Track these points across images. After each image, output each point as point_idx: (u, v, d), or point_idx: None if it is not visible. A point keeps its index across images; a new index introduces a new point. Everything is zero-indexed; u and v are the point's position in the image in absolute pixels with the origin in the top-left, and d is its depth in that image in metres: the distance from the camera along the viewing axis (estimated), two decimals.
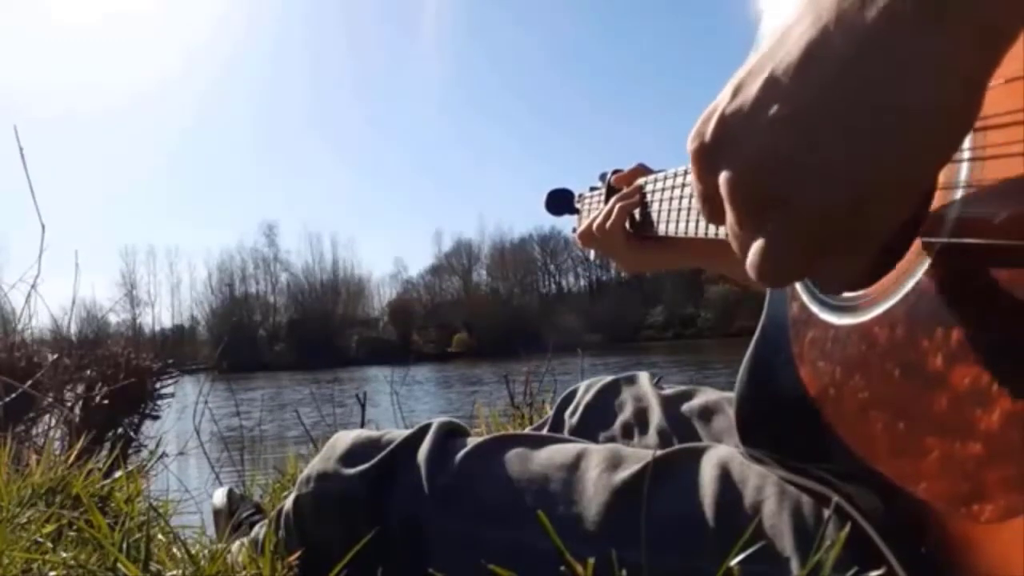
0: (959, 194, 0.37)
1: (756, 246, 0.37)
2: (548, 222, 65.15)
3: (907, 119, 0.32)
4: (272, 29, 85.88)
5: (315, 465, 0.77)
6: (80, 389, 3.43)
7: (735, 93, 0.38)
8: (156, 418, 3.85)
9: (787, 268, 0.38)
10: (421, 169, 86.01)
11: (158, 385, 3.93)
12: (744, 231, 0.38)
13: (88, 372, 3.56)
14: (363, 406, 3.04)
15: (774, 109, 0.35)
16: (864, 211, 0.34)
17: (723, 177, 0.38)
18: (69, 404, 3.06)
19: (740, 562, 0.42)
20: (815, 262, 0.37)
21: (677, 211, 0.75)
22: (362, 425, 2.78)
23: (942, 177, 0.38)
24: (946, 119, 0.32)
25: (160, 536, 0.89)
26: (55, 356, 3.07)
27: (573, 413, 0.94)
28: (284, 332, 50.24)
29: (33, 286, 2.60)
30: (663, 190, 0.80)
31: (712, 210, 0.41)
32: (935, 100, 0.31)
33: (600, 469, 0.65)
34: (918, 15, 0.31)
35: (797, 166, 0.35)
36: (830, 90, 0.34)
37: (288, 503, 0.80)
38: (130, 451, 3.15)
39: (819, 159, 0.34)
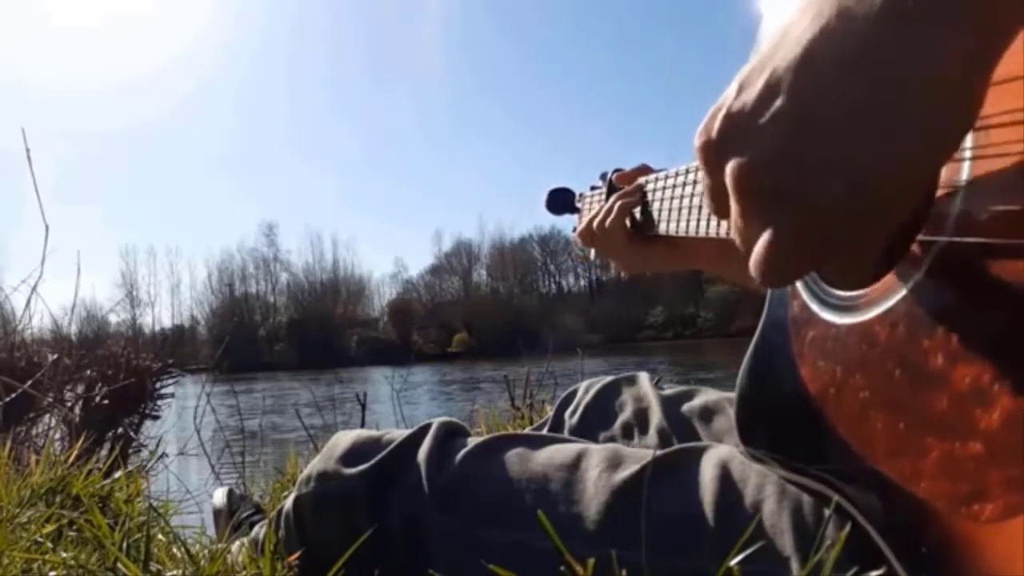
0: (960, 193, 0.37)
1: (761, 242, 0.37)
2: (548, 222, 65.26)
3: (908, 113, 0.32)
4: (273, 29, 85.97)
5: (315, 465, 0.77)
6: (80, 389, 3.42)
7: (740, 89, 0.38)
8: (156, 418, 3.84)
9: (791, 264, 0.38)
10: (421, 169, 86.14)
11: (158, 385, 3.92)
12: (748, 227, 0.38)
13: (88, 372, 3.56)
14: (363, 406, 3.04)
15: (778, 104, 0.36)
16: (866, 205, 0.34)
17: (729, 172, 0.38)
18: (69, 404, 3.06)
19: (740, 562, 0.42)
20: (819, 258, 0.37)
21: (679, 210, 0.75)
22: (362, 425, 2.78)
23: (943, 176, 0.38)
24: (947, 114, 0.32)
25: (160, 536, 0.89)
26: (55, 356, 3.07)
27: (573, 413, 0.94)
28: (284, 332, 50.21)
29: (34, 288, 2.60)
30: (664, 188, 0.80)
31: (719, 207, 0.41)
32: (935, 95, 0.32)
33: (600, 469, 0.65)
34: (917, 10, 0.31)
35: (801, 161, 0.35)
36: (832, 85, 0.34)
37: (288, 503, 0.80)
38: (130, 451, 3.15)
39: (822, 153, 0.34)
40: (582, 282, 55.41)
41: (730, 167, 0.38)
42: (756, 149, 0.37)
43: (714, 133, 0.39)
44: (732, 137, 0.38)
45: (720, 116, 0.39)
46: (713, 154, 0.40)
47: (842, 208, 0.35)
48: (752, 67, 0.38)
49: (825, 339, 0.46)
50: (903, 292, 0.40)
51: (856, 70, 0.33)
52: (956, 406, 0.35)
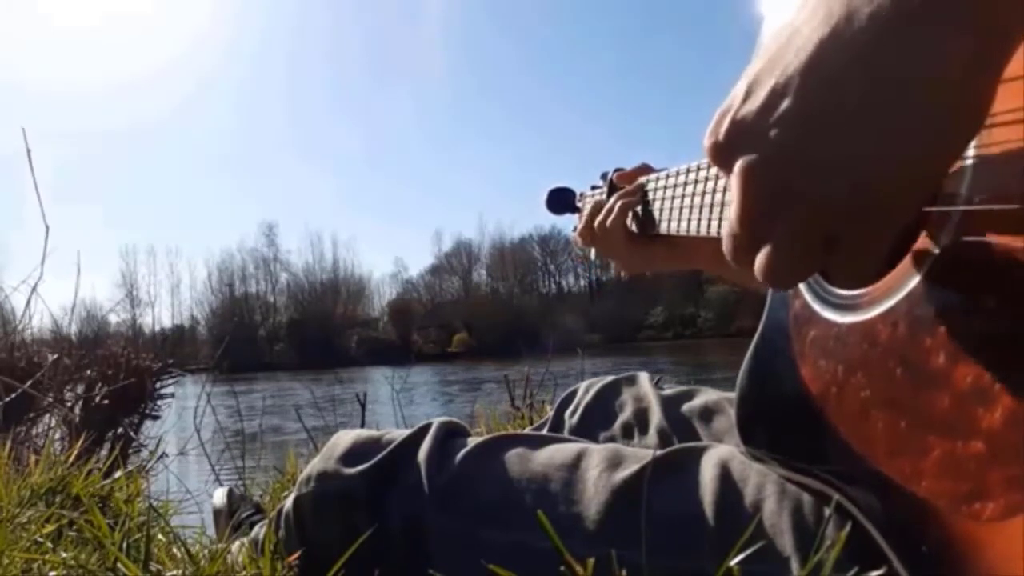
0: (962, 191, 0.37)
1: (766, 247, 0.37)
2: (548, 222, 65.22)
3: (908, 113, 0.32)
4: (273, 29, 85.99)
5: (315, 465, 0.77)
6: (80, 389, 3.42)
7: (748, 90, 0.38)
8: (156, 418, 3.84)
9: (796, 266, 0.38)
10: (421, 169, 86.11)
11: (158, 385, 3.92)
12: (747, 230, 0.38)
13: (88, 372, 3.56)
14: (363, 406, 3.04)
15: (786, 106, 0.36)
16: (868, 205, 0.34)
17: (735, 173, 0.38)
18: (69, 404, 3.06)
19: (740, 562, 0.42)
20: (824, 259, 0.37)
21: (680, 209, 0.75)
22: (362, 425, 2.78)
23: None
24: (947, 114, 0.32)
25: (160, 536, 0.89)
26: (55, 356, 3.07)
27: (573, 413, 0.94)
28: (284, 332, 50.20)
29: (34, 288, 2.60)
30: (665, 188, 0.80)
31: None
32: (935, 95, 0.32)
33: (600, 469, 0.65)
34: (920, 11, 0.31)
35: (808, 162, 0.35)
36: (840, 87, 0.34)
37: (288, 503, 0.80)
38: (130, 451, 3.15)
39: (830, 155, 0.34)
40: (582, 282, 55.41)
41: (737, 168, 0.38)
42: (761, 151, 0.37)
43: (722, 136, 0.39)
44: (740, 138, 0.38)
45: (728, 119, 0.39)
46: (721, 157, 0.40)
47: (843, 208, 0.34)
48: (761, 67, 0.38)
49: (826, 338, 0.46)
50: (905, 291, 0.40)
51: (859, 70, 0.33)
52: (957, 405, 0.35)
